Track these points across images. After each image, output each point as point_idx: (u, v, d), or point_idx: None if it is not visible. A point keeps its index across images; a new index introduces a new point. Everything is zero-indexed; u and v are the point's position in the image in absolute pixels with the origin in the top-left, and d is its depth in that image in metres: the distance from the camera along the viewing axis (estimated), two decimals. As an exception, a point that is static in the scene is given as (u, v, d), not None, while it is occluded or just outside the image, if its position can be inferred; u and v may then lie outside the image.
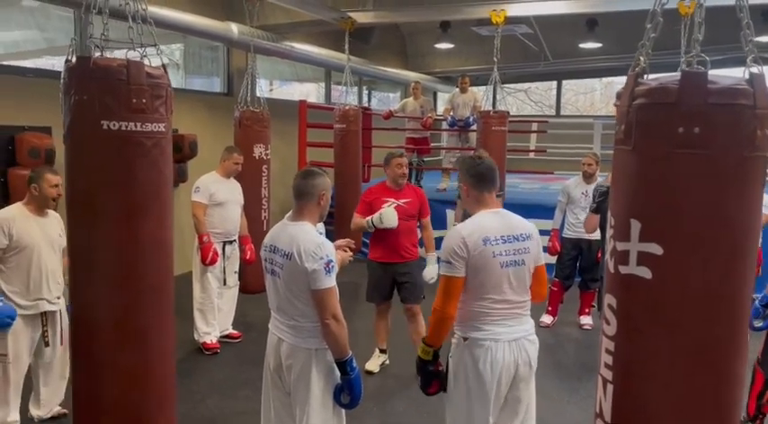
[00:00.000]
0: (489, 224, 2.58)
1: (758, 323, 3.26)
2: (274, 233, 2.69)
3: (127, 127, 2.06)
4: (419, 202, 4.45)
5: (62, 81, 2.11)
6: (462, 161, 2.76)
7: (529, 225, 2.69)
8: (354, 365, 2.55)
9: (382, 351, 4.71)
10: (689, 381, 1.73)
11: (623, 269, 1.80)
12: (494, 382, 2.54)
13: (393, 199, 4.36)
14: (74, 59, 2.08)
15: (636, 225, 1.74)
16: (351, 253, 2.92)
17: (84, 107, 2.06)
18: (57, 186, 3.40)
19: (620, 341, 1.85)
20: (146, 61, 2.17)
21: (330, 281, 2.49)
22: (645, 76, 1.72)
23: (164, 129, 2.14)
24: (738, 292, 1.72)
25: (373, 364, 4.63)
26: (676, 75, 1.61)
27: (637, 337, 1.80)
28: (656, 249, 1.71)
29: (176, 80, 8.78)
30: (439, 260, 2.70)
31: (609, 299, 1.88)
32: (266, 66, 10.38)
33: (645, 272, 1.74)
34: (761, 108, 1.57)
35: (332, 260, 2.50)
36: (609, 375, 1.89)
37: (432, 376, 2.67)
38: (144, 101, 2.07)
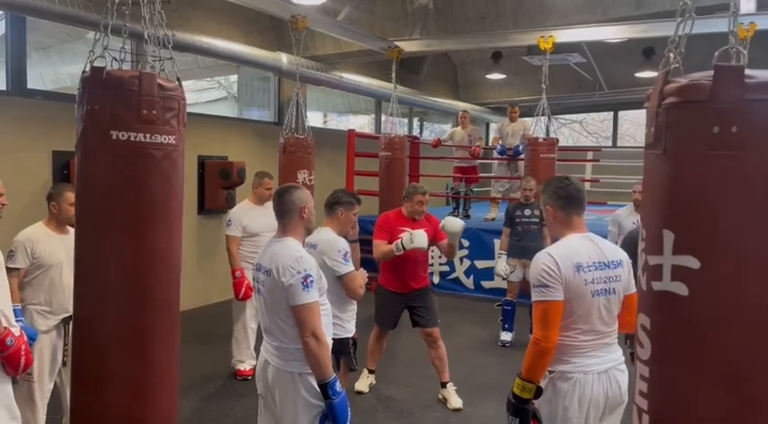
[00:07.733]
0: (580, 248, 2.41)
1: None
2: (262, 251, 2.63)
3: (136, 137, 2.04)
4: (433, 229, 4.49)
5: (77, 91, 2.13)
6: (547, 183, 2.61)
7: (620, 251, 2.52)
8: (338, 388, 2.40)
9: (371, 371, 4.79)
10: (732, 410, 1.54)
11: (656, 286, 1.63)
12: (581, 419, 2.36)
13: (409, 229, 4.37)
14: (88, 70, 2.09)
15: (669, 236, 1.58)
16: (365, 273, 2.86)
17: (94, 116, 2.05)
18: None
19: (654, 366, 1.66)
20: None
21: (308, 297, 2.37)
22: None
23: (174, 142, 2.11)
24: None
25: (363, 384, 4.71)
26: (710, 71, 1.48)
27: (673, 361, 1.62)
28: (692, 262, 1.54)
29: (231, 110, 9.06)
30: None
31: (642, 319, 1.71)
32: (320, 98, 10.58)
33: (680, 288, 1.57)
34: (806, 103, 1.42)
35: (310, 275, 2.39)
36: (644, 403, 1.71)
37: (531, 416, 2.40)
38: (155, 112, 2.05)
